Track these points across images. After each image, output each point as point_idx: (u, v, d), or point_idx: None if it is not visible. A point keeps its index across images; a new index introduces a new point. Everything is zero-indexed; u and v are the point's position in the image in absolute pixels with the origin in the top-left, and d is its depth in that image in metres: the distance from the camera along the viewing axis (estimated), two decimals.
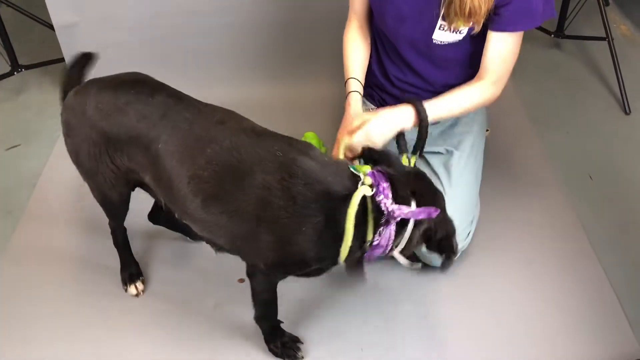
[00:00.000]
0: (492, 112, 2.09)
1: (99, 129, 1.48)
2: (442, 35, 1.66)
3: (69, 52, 2.47)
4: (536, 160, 2.22)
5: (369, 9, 1.81)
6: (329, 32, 2.11)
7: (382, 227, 1.28)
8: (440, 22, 1.64)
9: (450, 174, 1.78)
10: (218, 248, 1.54)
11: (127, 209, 1.71)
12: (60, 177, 2.21)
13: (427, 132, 1.58)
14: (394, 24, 1.71)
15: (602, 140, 2.30)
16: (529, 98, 2.51)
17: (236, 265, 1.84)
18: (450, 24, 1.61)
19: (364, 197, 1.27)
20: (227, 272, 1.85)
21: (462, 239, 1.76)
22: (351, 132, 1.57)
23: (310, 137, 2.19)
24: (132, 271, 1.84)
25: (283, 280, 1.55)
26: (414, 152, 1.58)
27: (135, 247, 1.94)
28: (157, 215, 1.92)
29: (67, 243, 1.97)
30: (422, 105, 1.58)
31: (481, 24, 1.58)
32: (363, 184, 1.29)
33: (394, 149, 1.56)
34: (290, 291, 1.76)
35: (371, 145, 1.52)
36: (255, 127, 1.42)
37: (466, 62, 1.78)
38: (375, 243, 1.30)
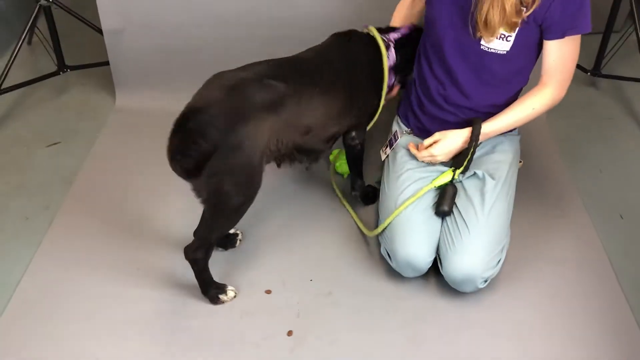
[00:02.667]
0: (524, 144, 2.10)
1: (266, 119, 1.61)
2: (490, 41, 1.72)
3: (114, 56, 2.55)
4: (567, 195, 2.22)
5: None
6: None
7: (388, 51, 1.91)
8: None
9: (484, 200, 1.79)
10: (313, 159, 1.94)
11: None
12: (96, 176, 2.27)
13: (474, 150, 1.82)
14: (445, 24, 1.78)
15: (634, 180, 2.29)
16: (562, 134, 2.52)
17: (263, 276, 1.89)
18: (476, 34, 1.71)
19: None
20: (254, 283, 1.88)
21: (492, 267, 1.76)
22: (420, 149, 1.88)
23: (338, 153, 2.21)
24: (216, 284, 1.81)
25: None
26: (459, 166, 1.83)
27: (167, 252, 1.97)
28: None
29: (101, 241, 2.01)
30: (479, 127, 1.79)
31: (492, 37, 1.68)
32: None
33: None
34: (327, 319, 1.80)
35: (433, 161, 1.88)
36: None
37: (513, 80, 1.84)
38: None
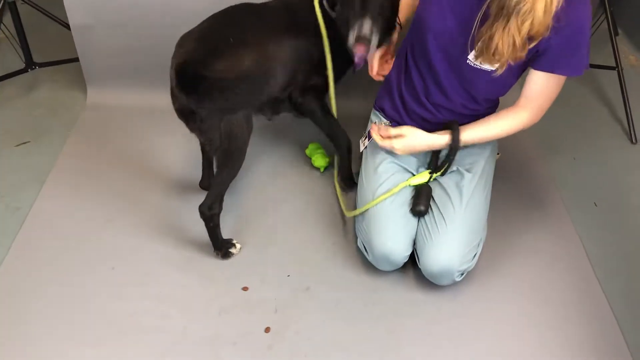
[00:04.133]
0: None
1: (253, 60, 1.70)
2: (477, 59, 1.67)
3: (84, 52, 2.50)
4: (542, 184, 2.24)
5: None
6: None
7: None
8: (471, 54, 1.67)
9: (462, 194, 1.80)
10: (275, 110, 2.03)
11: None
12: (69, 175, 2.22)
13: (455, 155, 1.81)
14: (438, 32, 1.71)
15: (608, 168, 2.31)
16: (538, 124, 2.52)
17: (240, 273, 1.88)
18: (475, 58, 1.65)
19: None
20: (231, 279, 1.87)
21: (468, 260, 1.77)
22: (383, 135, 1.83)
23: (314, 148, 2.21)
24: (225, 240, 1.94)
25: None
26: (437, 170, 1.84)
27: (143, 251, 1.95)
28: (209, 179, 2.11)
29: (74, 242, 1.97)
30: (457, 133, 1.76)
31: (505, 66, 1.59)
32: None
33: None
34: (305, 314, 1.78)
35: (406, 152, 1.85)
36: None
37: (496, 93, 1.84)
38: None
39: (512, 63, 1.59)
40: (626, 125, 2.45)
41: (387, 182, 1.85)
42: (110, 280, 1.86)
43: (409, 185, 1.84)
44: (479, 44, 1.59)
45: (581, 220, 2.08)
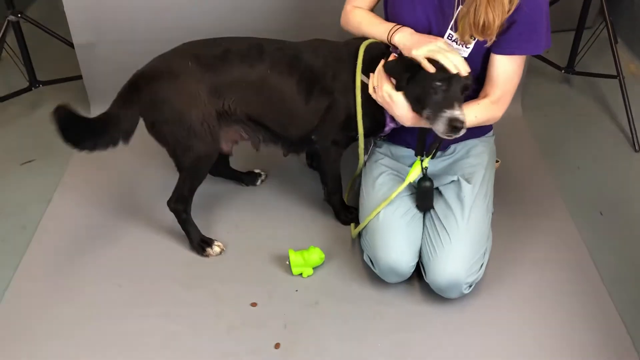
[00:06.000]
0: (502, 143, 2.11)
1: (205, 80, 1.76)
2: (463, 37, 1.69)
3: (87, 70, 2.52)
4: (547, 193, 2.24)
5: (373, 7, 1.90)
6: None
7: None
8: (449, 31, 1.70)
9: (464, 206, 1.80)
10: (293, 147, 2.00)
11: (211, 166, 1.91)
12: (74, 193, 2.23)
13: (442, 139, 1.72)
14: (414, 24, 1.73)
15: (612, 176, 2.32)
16: (539, 132, 2.55)
17: (248, 289, 1.88)
18: (461, 37, 1.67)
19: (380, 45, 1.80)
20: (240, 295, 1.86)
21: (475, 271, 1.77)
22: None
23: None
24: (203, 237, 1.98)
25: None
26: (427, 154, 1.81)
27: (150, 269, 1.95)
28: (219, 167, 2.15)
29: (80, 261, 1.97)
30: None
31: (494, 38, 1.63)
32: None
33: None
34: (314, 329, 1.79)
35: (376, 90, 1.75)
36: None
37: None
38: None
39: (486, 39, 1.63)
40: (629, 133, 2.46)
41: (387, 193, 1.85)
42: (117, 298, 1.86)
43: (408, 183, 1.82)
44: (464, 23, 1.62)
45: (587, 228, 2.08)
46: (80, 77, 2.55)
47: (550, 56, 2.81)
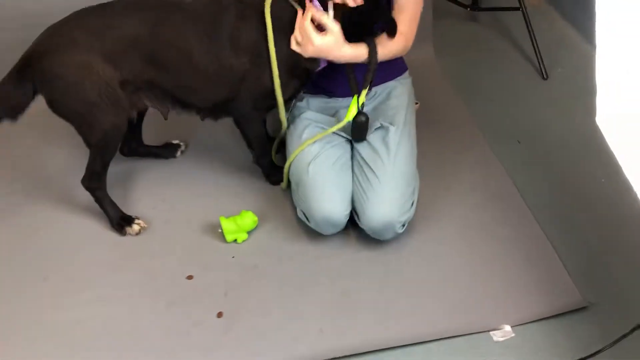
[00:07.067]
0: (418, 85, 2.12)
1: (97, 49, 1.64)
2: None
3: None
4: (466, 129, 2.29)
5: None
6: None
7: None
8: None
9: (389, 148, 1.81)
10: (208, 113, 1.87)
11: (121, 138, 1.83)
12: None
13: (375, 68, 1.72)
14: None
15: (525, 106, 2.40)
16: (451, 70, 2.59)
17: (182, 262, 1.82)
18: None
19: None
20: (174, 269, 1.81)
21: (406, 210, 1.79)
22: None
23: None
24: (121, 214, 1.90)
25: None
26: (364, 86, 1.74)
27: (75, 256, 1.85)
28: (130, 145, 2.08)
29: (3, 248, 1.85)
30: (374, 44, 1.70)
31: None
32: None
33: None
34: (256, 292, 1.76)
35: (302, 43, 1.68)
36: None
37: None
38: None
39: None
40: (536, 63, 2.54)
41: (322, 156, 1.82)
42: (45, 292, 1.75)
43: (346, 121, 1.80)
44: None
45: (508, 158, 2.14)
46: None
47: None
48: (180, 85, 1.78)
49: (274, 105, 1.82)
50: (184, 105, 1.84)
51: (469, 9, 2.82)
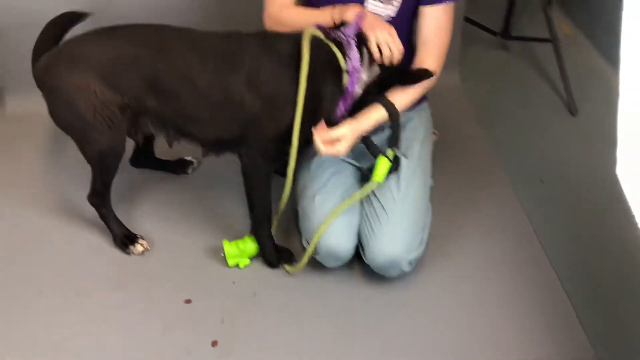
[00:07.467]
0: (439, 112, 2.06)
1: (96, 69, 1.60)
2: (374, 5, 1.64)
3: None
4: (487, 163, 2.21)
5: None
6: None
7: (347, 53, 1.55)
8: None
9: (400, 182, 1.74)
10: (211, 148, 1.77)
11: (120, 160, 1.76)
12: None
13: (399, 126, 1.65)
14: None
15: (550, 142, 2.30)
16: (476, 99, 2.51)
17: (182, 285, 1.78)
18: None
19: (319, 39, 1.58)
20: (173, 292, 1.77)
21: (415, 248, 1.72)
22: (326, 142, 1.59)
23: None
24: (126, 232, 1.87)
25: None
26: (390, 146, 1.66)
27: (72, 270, 1.82)
28: (140, 157, 2.07)
29: (2, 259, 1.84)
30: (390, 103, 1.62)
31: None
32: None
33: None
34: (253, 322, 1.71)
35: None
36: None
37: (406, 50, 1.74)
38: (350, 68, 1.55)
39: None
40: (565, 97, 2.44)
41: (329, 186, 1.76)
42: (40, 307, 1.73)
43: (374, 184, 1.68)
44: None
45: (528, 197, 2.06)
46: None
47: (486, 21, 2.76)
48: (183, 114, 1.70)
49: (285, 153, 1.63)
50: (186, 136, 1.75)
51: (498, 36, 2.73)
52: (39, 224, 1.97)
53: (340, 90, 1.59)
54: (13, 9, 2.23)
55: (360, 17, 1.55)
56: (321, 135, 1.59)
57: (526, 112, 2.45)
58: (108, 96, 1.63)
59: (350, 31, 1.56)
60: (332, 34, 1.58)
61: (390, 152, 1.67)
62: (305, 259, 1.71)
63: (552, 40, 2.47)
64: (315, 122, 1.60)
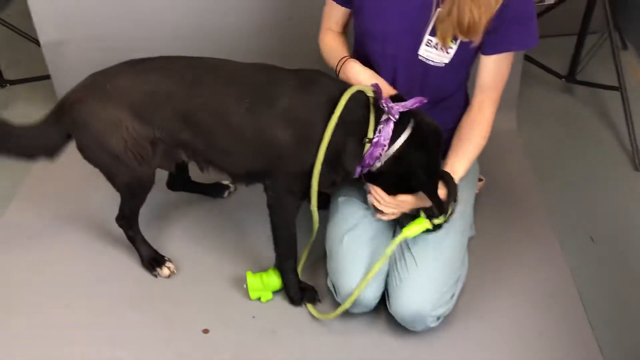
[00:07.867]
0: (492, 158, 1.96)
1: (129, 104, 1.58)
2: (429, 52, 1.57)
3: (55, 69, 2.40)
4: (535, 215, 2.06)
5: (345, 25, 1.74)
6: None
7: (381, 125, 1.50)
8: (427, 37, 1.55)
9: None
10: (240, 179, 1.75)
11: (149, 191, 1.75)
12: (31, 203, 2.12)
13: (457, 202, 1.57)
14: (379, 39, 1.61)
15: (608, 198, 2.13)
16: (534, 146, 2.36)
17: (201, 314, 1.75)
18: (442, 41, 1.53)
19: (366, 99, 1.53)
20: (192, 320, 1.74)
21: (444, 303, 1.62)
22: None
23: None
24: (153, 255, 1.87)
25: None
26: (440, 213, 1.54)
27: (99, 287, 1.83)
28: (177, 182, 2.06)
29: (28, 275, 1.87)
30: (452, 181, 1.54)
31: (480, 39, 1.50)
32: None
33: None
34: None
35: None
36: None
37: (456, 95, 1.70)
38: (375, 140, 1.49)
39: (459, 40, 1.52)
40: (630, 150, 2.27)
41: (359, 229, 1.69)
42: (62, 320, 1.74)
43: (403, 236, 1.59)
44: (446, 26, 1.48)
45: (576, 256, 1.91)
46: (48, 77, 2.43)
47: (551, 63, 2.62)
48: (214, 147, 1.66)
49: (309, 190, 1.59)
50: (216, 167, 1.73)
51: (563, 79, 2.59)
52: (68, 241, 1.99)
53: (361, 154, 1.53)
54: (74, 22, 2.28)
55: (416, 103, 1.51)
56: (381, 195, 1.58)
57: (586, 163, 2.28)
58: (140, 131, 1.60)
59: (399, 107, 1.50)
60: (382, 102, 1.50)
61: (437, 220, 1.55)
62: (338, 311, 1.64)
63: (620, 88, 2.31)
64: (336, 170, 1.55)
